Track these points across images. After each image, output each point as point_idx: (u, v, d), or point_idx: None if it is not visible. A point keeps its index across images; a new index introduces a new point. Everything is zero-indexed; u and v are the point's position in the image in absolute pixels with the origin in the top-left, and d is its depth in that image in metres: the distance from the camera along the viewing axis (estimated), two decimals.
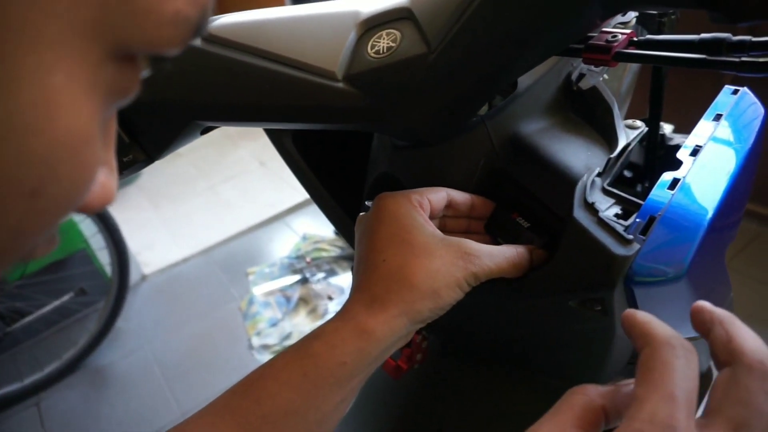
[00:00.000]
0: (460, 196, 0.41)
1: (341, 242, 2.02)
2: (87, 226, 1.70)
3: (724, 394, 0.24)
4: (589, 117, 0.43)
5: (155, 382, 1.60)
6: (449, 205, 0.40)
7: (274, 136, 0.57)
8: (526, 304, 0.40)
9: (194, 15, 0.14)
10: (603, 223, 0.34)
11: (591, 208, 0.35)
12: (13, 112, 0.12)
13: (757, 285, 1.56)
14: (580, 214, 0.35)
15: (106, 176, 0.17)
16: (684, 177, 0.35)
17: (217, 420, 0.32)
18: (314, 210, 2.29)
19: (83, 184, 0.15)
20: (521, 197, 0.42)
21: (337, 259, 1.95)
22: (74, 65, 0.13)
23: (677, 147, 0.37)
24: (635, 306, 0.36)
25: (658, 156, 0.58)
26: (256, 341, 1.67)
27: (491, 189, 0.44)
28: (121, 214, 2.33)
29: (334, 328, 0.34)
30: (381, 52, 0.35)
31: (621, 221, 0.34)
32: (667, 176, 0.35)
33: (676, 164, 0.36)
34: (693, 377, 0.24)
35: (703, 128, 0.39)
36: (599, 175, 0.37)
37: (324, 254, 1.98)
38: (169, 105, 0.39)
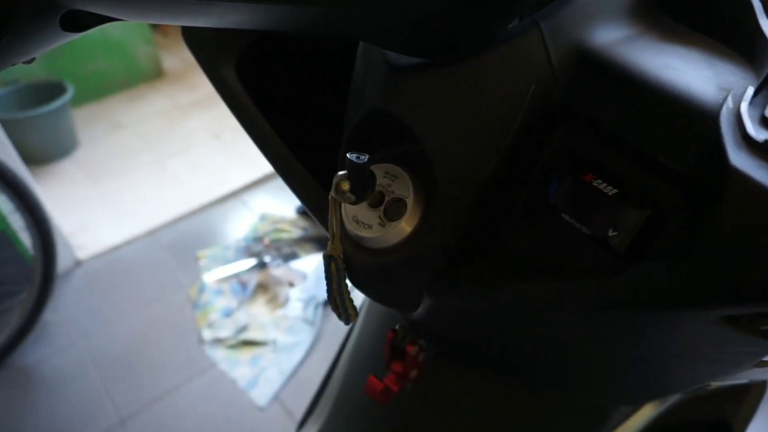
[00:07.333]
0: None
1: (303, 222, 1.85)
2: (2, 203, 1.46)
3: None
4: (702, 21, 0.28)
5: (89, 382, 1.39)
6: None
7: (209, 63, 0.40)
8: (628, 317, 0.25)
9: None
10: None
11: (760, 148, 0.20)
12: None
13: None
14: (741, 159, 0.20)
15: None
16: None
17: None
18: (274, 187, 2.10)
19: None
20: (597, 146, 0.27)
21: (299, 241, 1.77)
22: None
23: None
24: None
25: None
26: (207, 334, 1.48)
27: (544, 134, 0.28)
28: (52, 189, 2.07)
29: None
30: None
31: None
32: None
33: None
34: None
35: None
36: (755, 95, 0.22)
37: (284, 236, 1.80)
38: None
